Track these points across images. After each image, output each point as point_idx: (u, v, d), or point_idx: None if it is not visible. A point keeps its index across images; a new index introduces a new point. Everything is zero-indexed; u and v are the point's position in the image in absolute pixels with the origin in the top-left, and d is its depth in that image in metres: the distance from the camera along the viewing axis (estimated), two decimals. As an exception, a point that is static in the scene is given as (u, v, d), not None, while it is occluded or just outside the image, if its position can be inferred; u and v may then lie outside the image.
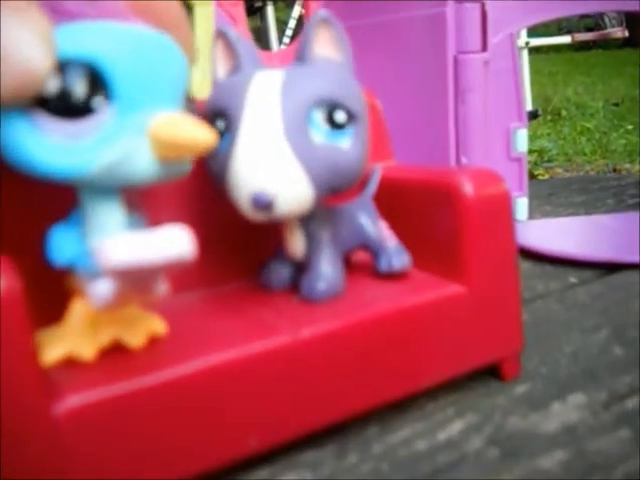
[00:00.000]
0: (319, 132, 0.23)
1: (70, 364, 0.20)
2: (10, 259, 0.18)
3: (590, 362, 0.29)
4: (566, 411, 0.26)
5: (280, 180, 0.22)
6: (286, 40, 1.95)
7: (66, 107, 0.17)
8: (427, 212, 0.28)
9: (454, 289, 0.26)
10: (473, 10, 0.41)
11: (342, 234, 0.27)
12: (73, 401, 0.18)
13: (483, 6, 0.41)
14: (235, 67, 0.25)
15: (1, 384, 0.17)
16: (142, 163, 0.19)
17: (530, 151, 1.20)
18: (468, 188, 0.26)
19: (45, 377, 0.18)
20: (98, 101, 0.18)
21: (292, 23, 1.98)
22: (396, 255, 0.27)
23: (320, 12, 0.24)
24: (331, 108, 0.23)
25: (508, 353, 0.28)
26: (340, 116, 0.23)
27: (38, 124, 0.17)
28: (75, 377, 0.20)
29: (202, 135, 0.19)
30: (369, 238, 0.27)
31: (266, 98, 0.23)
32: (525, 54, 1.66)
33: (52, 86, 0.17)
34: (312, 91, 0.23)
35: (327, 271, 0.26)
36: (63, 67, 0.17)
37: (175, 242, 0.18)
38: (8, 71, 0.16)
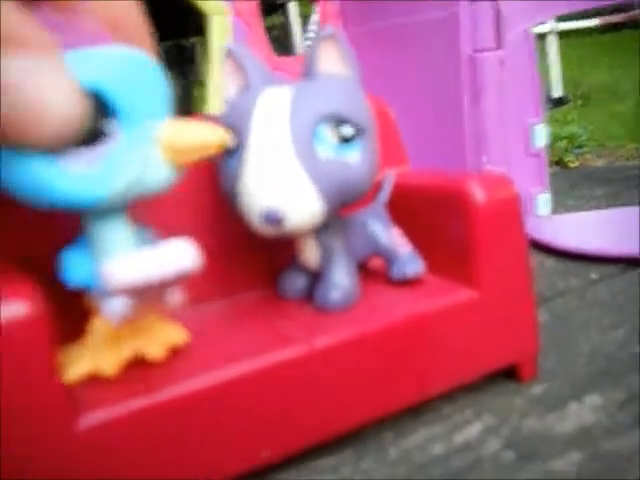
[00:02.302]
0: (327, 147, 0.23)
1: (93, 380, 0.21)
2: (33, 281, 0.19)
3: (608, 361, 0.29)
4: (582, 412, 0.26)
5: (290, 196, 0.23)
6: (311, 35, 1.94)
7: (83, 136, 0.18)
8: (439, 218, 0.28)
9: (467, 294, 0.26)
10: (486, 9, 0.41)
11: (355, 243, 0.27)
12: (95, 417, 0.19)
13: (496, 4, 0.41)
14: (244, 85, 0.25)
15: (28, 402, 0.18)
16: (156, 173, 0.20)
17: (560, 137, 1.18)
18: (478, 194, 0.26)
19: (69, 394, 0.19)
20: (109, 125, 0.18)
21: (315, 18, 1.98)
22: (409, 262, 0.27)
23: (326, 29, 0.24)
24: (338, 123, 0.23)
25: (524, 355, 0.28)
26: (347, 130, 0.24)
27: (57, 157, 0.18)
28: (97, 393, 0.21)
29: (213, 134, 0.20)
30: (382, 246, 0.28)
31: (274, 116, 0.23)
32: (554, 39, 1.64)
33: None
34: (319, 107, 0.23)
35: (341, 280, 0.26)
36: None
37: (179, 256, 0.19)
38: (48, 120, 0.16)
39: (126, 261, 0.19)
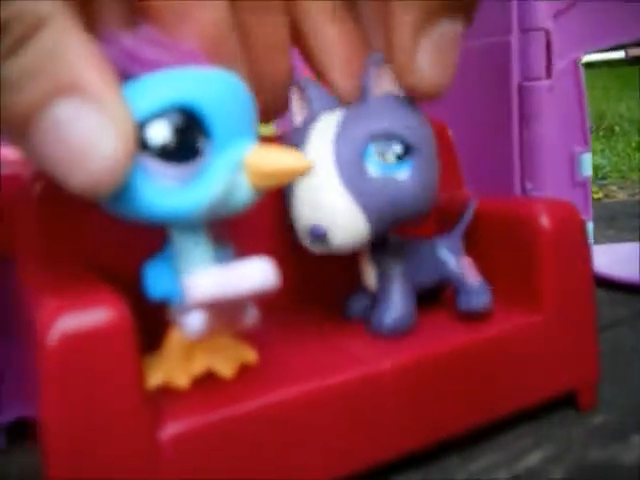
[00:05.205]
0: (374, 165, 0.23)
1: (165, 391, 0.21)
2: (118, 291, 0.19)
3: (668, 392, 0.29)
4: (646, 443, 0.25)
5: (332, 212, 0.23)
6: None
7: (177, 153, 0.18)
8: (502, 242, 0.28)
9: (530, 319, 0.26)
10: (538, 38, 0.41)
11: (421, 268, 0.27)
12: (176, 427, 0.19)
13: (547, 34, 0.41)
14: (309, 113, 0.26)
15: (112, 409, 0.18)
16: (240, 195, 0.20)
17: (583, 169, 1.18)
18: (544, 219, 0.26)
19: (151, 404, 0.19)
20: (202, 143, 0.19)
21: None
22: (477, 294, 0.27)
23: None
24: (387, 140, 0.24)
25: (584, 382, 0.28)
26: (396, 148, 0.24)
27: (150, 171, 0.18)
28: (173, 404, 0.21)
29: (296, 161, 0.20)
30: (449, 274, 0.27)
31: (323, 135, 0.24)
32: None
33: (161, 134, 0.18)
34: (367, 126, 0.24)
35: (397, 305, 0.26)
36: (167, 114, 0.18)
37: (259, 274, 0.19)
38: (86, 166, 0.17)
39: (208, 276, 0.19)
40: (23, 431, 0.27)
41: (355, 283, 0.28)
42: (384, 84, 0.24)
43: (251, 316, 0.21)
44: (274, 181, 0.20)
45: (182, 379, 0.22)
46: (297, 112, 0.26)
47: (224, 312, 0.20)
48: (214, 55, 0.20)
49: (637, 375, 0.31)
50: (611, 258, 0.47)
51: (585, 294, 0.27)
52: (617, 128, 2.08)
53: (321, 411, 0.22)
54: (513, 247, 0.27)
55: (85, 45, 0.17)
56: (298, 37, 0.26)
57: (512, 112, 0.42)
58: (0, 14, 0.15)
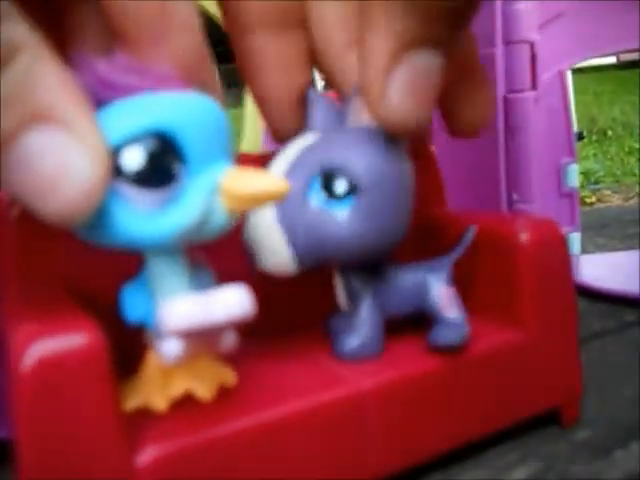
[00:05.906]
0: (317, 199, 0.23)
1: (144, 415, 0.21)
2: (92, 315, 0.19)
3: (652, 407, 0.29)
4: (630, 459, 0.25)
5: (259, 239, 0.23)
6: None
7: (152, 178, 0.18)
8: (482, 260, 0.28)
9: (511, 337, 0.26)
10: (522, 50, 0.41)
11: (395, 295, 0.26)
12: (153, 451, 0.19)
13: (532, 46, 0.42)
14: (306, 130, 0.25)
15: (87, 435, 0.18)
16: (217, 219, 0.20)
17: (576, 173, 1.18)
18: (524, 236, 0.26)
19: (128, 428, 0.19)
20: (177, 168, 0.19)
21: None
22: (448, 329, 0.25)
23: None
24: (333, 176, 0.23)
25: (568, 398, 0.28)
26: (340, 185, 0.23)
27: (125, 197, 0.18)
28: (151, 427, 0.21)
29: (273, 184, 0.20)
30: (426, 303, 0.26)
31: (280, 164, 0.24)
32: (569, 75, 1.65)
33: (136, 160, 0.18)
34: (318, 158, 0.23)
35: (359, 332, 0.25)
36: (142, 139, 0.18)
37: (234, 302, 0.19)
38: (60, 194, 0.16)
39: (183, 305, 0.19)
40: (7, 452, 0.27)
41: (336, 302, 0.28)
42: (363, 115, 0.23)
43: (229, 340, 0.21)
44: (250, 204, 0.20)
45: (160, 402, 0.22)
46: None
47: (201, 338, 0.20)
48: (190, 79, 0.20)
49: (622, 388, 0.31)
50: (598, 268, 0.47)
51: (567, 311, 0.27)
52: (610, 132, 2.09)
53: (303, 432, 0.22)
54: (493, 265, 0.27)
55: (58, 72, 0.17)
56: (317, 56, 0.26)
57: (498, 124, 0.42)
58: None
